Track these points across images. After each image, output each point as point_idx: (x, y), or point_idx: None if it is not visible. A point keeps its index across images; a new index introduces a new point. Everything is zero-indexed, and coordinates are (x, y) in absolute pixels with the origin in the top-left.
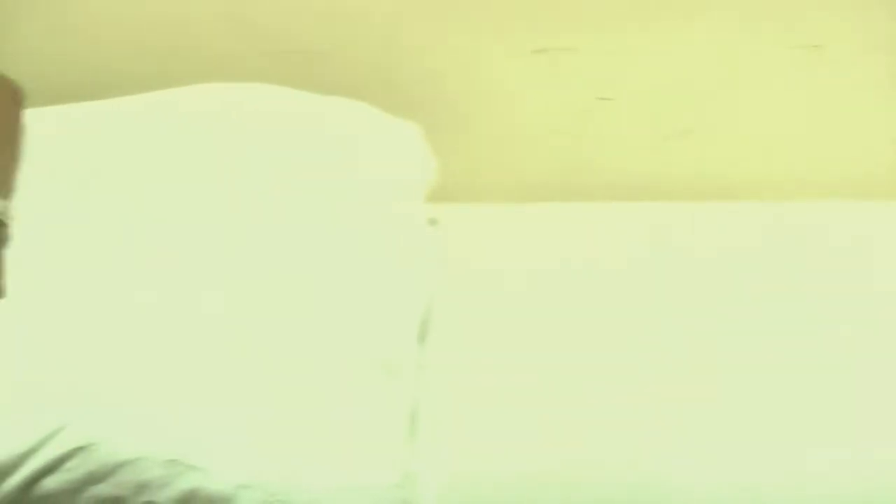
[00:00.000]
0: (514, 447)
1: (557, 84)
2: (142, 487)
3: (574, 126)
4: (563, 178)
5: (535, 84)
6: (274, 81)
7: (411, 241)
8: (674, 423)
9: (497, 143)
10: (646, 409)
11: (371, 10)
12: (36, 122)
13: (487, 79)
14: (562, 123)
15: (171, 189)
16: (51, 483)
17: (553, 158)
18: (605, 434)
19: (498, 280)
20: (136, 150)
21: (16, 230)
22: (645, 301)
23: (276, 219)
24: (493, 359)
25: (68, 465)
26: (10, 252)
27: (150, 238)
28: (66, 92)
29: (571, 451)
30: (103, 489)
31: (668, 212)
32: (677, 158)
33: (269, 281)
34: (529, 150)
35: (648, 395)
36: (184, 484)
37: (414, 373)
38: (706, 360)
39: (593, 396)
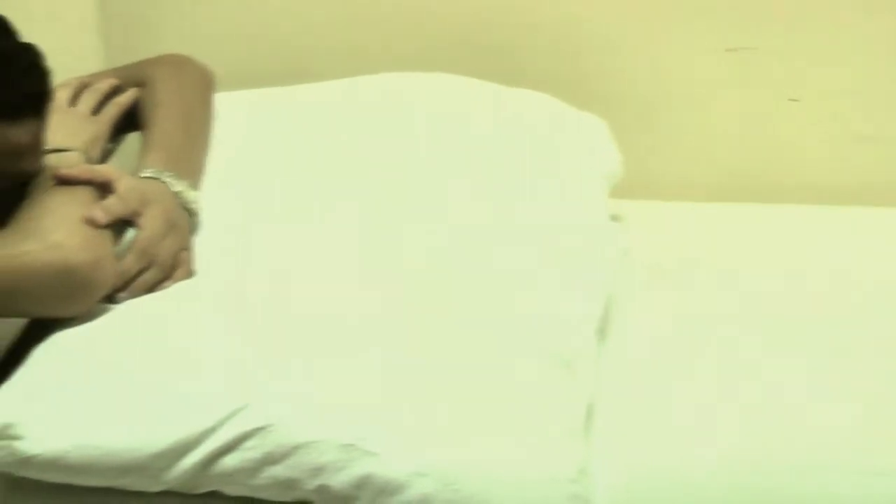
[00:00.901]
0: (689, 446)
1: (748, 83)
2: (317, 471)
3: (763, 127)
4: (749, 178)
5: (725, 83)
6: (460, 73)
7: (594, 236)
8: (857, 430)
9: (685, 141)
10: (826, 411)
11: (562, 5)
12: (225, 106)
13: (678, 76)
14: (751, 123)
15: (354, 177)
16: (230, 461)
17: (740, 159)
18: (786, 435)
19: (679, 278)
20: (322, 137)
21: (205, 216)
22: (826, 304)
23: (459, 211)
24: (671, 357)
25: (247, 444)
26: (200, 237)
27: (331, 226)
28: (254, 76)
29: (747, 451)
30: (280, 470)
31: (855, 216)
32: (866, 162)
33: (452, 271)
34: (717, 150)
35: (827, 397)
36: (358, 469)
37: (592, 369)
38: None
39: (772, 396)
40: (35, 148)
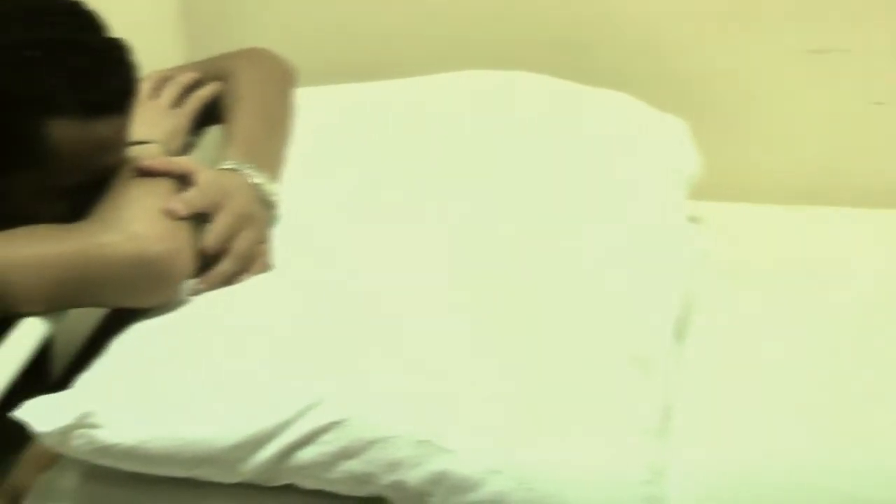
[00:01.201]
0: (765, 447)
1: (832, 86)
2: (393, 466)
3: (847, 130)
4: (833, 182)
5: (808, 85)
6: (541, 71)
7: (671, 237)
8: None
9: (765, 143)
10: None
11: (643, 5)
12: (306, 101)
13: (759, 77)
14: (835, 126)
15: (434, 174)
16: (305, 455)
17: (824, 162)
18: (864, 438)
19: (760, 281)
20: (403, 133)
21: (284, 210)
22: None
23: (536, 207)
24: (749, 359)
25: (323, 438)
26: (278, 230)
27: (411, 220)
28: (335, 72)
29: (824, 453)
30: (355, 465)
31: None
32: None
33: (529, 269)
34: (801, 152)
35: None
36: (434, 465)
37: (669, 370)
38: None
39: (851, 398)
40: (120, 143)
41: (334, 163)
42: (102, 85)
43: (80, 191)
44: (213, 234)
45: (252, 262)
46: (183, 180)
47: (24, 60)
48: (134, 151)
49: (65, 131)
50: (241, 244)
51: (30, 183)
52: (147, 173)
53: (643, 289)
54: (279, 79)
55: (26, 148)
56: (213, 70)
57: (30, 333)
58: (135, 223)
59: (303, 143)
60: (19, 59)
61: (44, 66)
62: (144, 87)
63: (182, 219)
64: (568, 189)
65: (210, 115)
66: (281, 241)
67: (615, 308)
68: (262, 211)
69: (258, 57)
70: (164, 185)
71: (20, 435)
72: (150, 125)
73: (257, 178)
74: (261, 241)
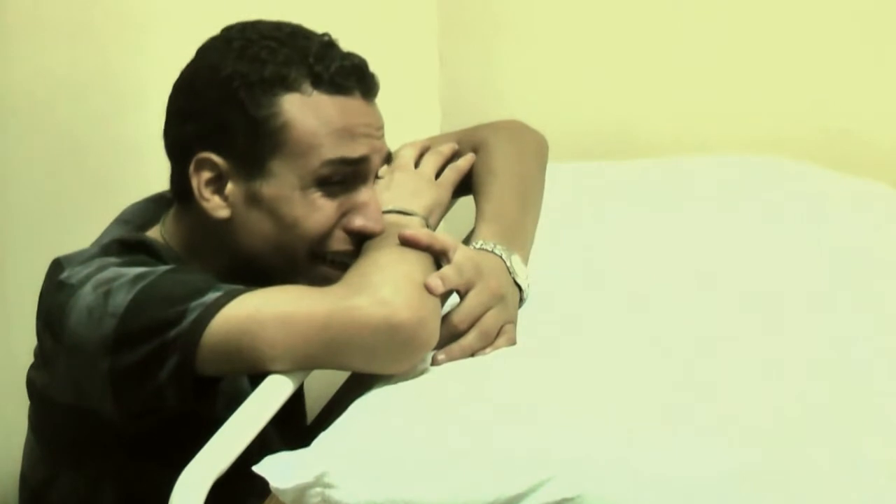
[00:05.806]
0: None
1: None
2: None
3: None
4: None
5: None
6: (800, 157)
7: None
8: None
9: None
10: None
11: None
12: (557, 176)
13: None
14: None
15: (687, 260)
16: None
17: None
18: None
19: None
20: (654, 216)
21: (530, 289)
22: None
23: (798, 302)
24: None
25: None
26: (524, 308)
27: (660, 302)
28: (588, 147)
29: None
30: None
31: None
32: None
33: (785, 359)
34: None
35: None
36: None
37: None
38: None
39: None
40: (356, 134)
41: (582, 241)
42: (329, 63)
43: (336, 186)
44: (462, 312)
45: (496, 339)
46: (438, 255)
47: (258, 51)
48: (394, 219)
49: (296, 104)
50: (488, 321)
51: (284, 174)
52: (409, 243)
53: None
54: (534, 154)
55: (267, 129)
56: (469, 140)
57: (275, 391)
58: (384, 289)
59: (550, 218)
60: (255, 51)
61: (275, 50)
62: (409, 154)
63: (438, 296)
64: (828, 282)
65: (461, 184)
66: (527, 314)
67: (872, 413)
68: (514, 293)
69: (513, 130)
70: (416, 256)
71: (262, 488)
72: (414, 195)
73: (509, 261)
74: (508, 322)
